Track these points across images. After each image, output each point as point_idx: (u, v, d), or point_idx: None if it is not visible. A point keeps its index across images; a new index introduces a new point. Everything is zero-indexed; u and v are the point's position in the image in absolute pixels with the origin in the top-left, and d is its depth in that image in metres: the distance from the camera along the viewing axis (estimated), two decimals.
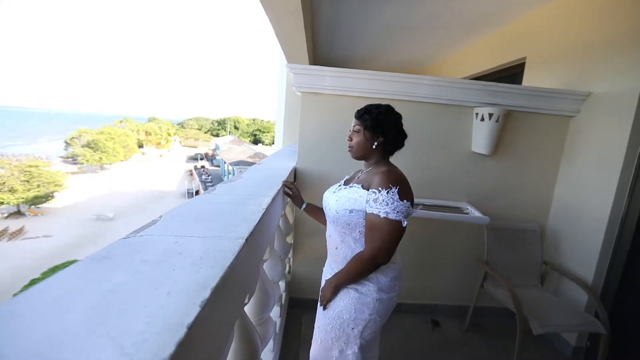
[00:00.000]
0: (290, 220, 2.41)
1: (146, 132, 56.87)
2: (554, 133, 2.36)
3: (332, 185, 1.53)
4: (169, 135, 65.26)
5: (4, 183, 25.82)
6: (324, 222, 1.50)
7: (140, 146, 53.82)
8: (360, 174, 1.36)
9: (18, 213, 26.94)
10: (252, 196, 1.23)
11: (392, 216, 1.10)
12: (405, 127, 1.31)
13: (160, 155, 54.15)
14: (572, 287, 2.23)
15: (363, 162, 1.34)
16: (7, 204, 26.23)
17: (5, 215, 26.60)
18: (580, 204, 2.24)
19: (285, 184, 1.57)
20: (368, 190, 1.17)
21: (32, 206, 27.28)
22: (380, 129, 1.24)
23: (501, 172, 2.37)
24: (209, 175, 35.56)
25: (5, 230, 21.90)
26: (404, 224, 1.12)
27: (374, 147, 1.27)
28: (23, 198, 26.29)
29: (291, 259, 2.51)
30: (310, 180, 2.30)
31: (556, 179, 2.42)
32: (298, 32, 2.33)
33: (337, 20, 3.21)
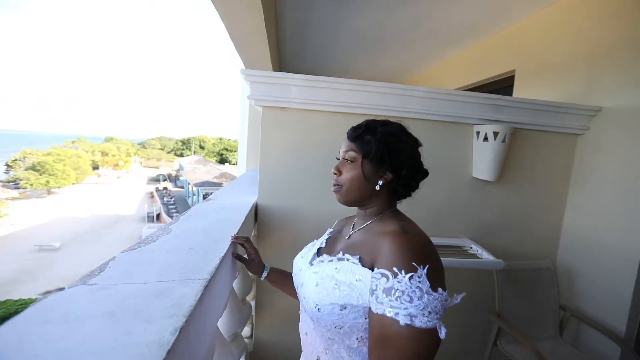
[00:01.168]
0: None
1: (102, 153, 53.16)
2: (561, 153, 2.03)
3: (307, 241, 1.01)
4: (129, 155, 61.52)
5: None
6: (292, 293, 0.97)
7: (96, 168, 50.06)
8: (352, 230, 0.85)
9: None
10: (168, 286, 0.67)
11: (421, 322, 0.59)
12: None
13: (118, 177, 50.66)
14: (593, 336, 1.85)
15: (357, 207, 0.84)
16: None
17: None
18: (595, 236, 1.89)
19: (235, 241, 1.02)
20: (372, 268, 0.67)
21: None
22: (390, 159, 0.76)
23: (506, 201, 1.98)
24: (171, 197, 33.48)
25: None
26: (442, 333, 0.61)
27: (377, 187, 0.78)
28: None
29: (254, 320, 1.91)
30: (277, 222, 1.76)
31: (565, 206, 2.08)
32: (258, 32, 1.85)
33: (306, 27, 2.79)
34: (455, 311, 1.97)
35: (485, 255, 1.73)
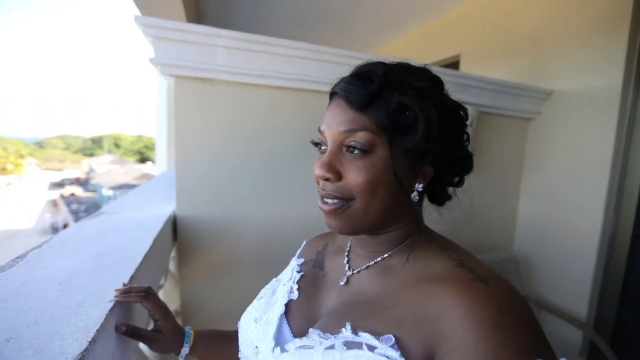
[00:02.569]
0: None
1: (47, 147, 43.33)
2: (514, 138, 1.95)
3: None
4: (21, 157, 51.31)
5: None
6: None
7: (3, 168, 40.61)
8: (350, 268, 0.47)
9: None
10: None
11: None
12: None
13: (8, 184, 41.91)
14: (556, 323, 1.81)
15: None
16: None
17: None
18: (551, 221, 1.85)
19: (123, 300, 0.55)
20: (428, 356, 0.31)
21: None
22: (440, 141, 0.40)
23: (469, 191, 1.82)
24: (81, 204, 28.83)
25: None
26: None
27: (414, 196, 0.43)
28: None
29: None
30: (204, 239, 1.28)
31: (519, 193, 2.02)
32: None
33: None
34: None
35: None
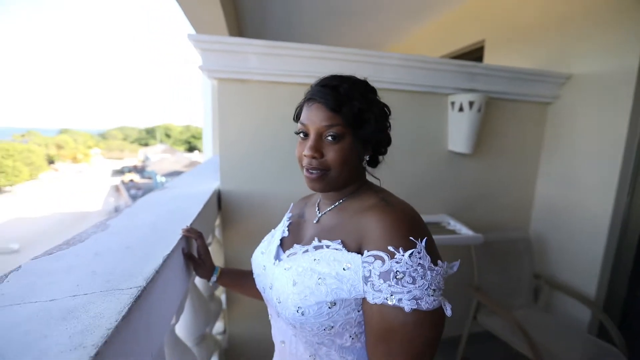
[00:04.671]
0: (220, 259, 1.68)
1: (58, 146, 49.28)
2: (533, 123, 2.00)
3: (269, 228, 0.86)
4: (88, 147, 57.55)
5: None
6: (256, 294, 0.82)
7: (52, 162, 46.41)
8: (319, 212, 0.72)
9: None
10: (83, 302, 0.51)
11: (428, 303, 0.49)
12: None
13: (79, 172, 47.37)
14: (567, 301, 1.89)
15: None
16: None
17: None
18: (566, 204, 1.91)
19: (186, 234, 0.86)
20: (360, 252, 0.55)
21: None
22: (382, 127, 0.65)
23: (481, 173, 1.94)
24: (139, 189, 31.89)
25: None
26: (448, 310, 0.53)
27: (364, 164, 0.67)
28: None
29: (226, 315, 1.77)
30: (243, 210, 1.60)
31: (537, 176, 2.08)
32: None
33: None
34: None
35: (464, 231, 1.68)
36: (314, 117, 0.62)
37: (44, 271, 0.62)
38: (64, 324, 0.45)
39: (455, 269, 0.58)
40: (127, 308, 0.50)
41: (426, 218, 1.79)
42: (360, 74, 1.56)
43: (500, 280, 1.90)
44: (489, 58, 2.54)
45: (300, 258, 0.61)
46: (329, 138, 0.61)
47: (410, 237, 0.51)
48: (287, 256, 0.65)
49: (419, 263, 0.50)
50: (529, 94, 1.90)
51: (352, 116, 0.60)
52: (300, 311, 0.55)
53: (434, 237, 1.54)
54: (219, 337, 1.80)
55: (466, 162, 1.88)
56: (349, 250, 0.56)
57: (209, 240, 1.45)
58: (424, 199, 1.85)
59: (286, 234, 0.75)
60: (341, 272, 0.54)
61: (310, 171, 0.63)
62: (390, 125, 0.69)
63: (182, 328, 1.09)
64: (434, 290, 0.50)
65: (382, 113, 0.65)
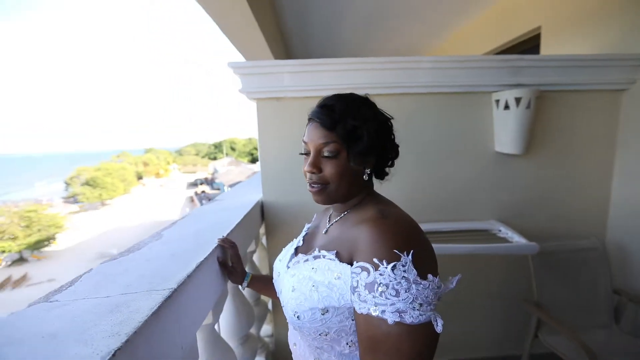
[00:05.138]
0: (259, 261, 1.80)
1: (144, 164, 56.92)
2: (603, 114, 1.75)
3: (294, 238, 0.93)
4: (168, 163, 65.30)
5: (4, 231, 25.42)
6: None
7: (140, 178, 53.74)
8: (329, 223, 0.76)
9: (21, 259, 26.45)
10: (128, 299, 0.63)
11: (412, 317, 0.50)
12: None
13: (161, 185, 53.94)
14: None
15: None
16: (9, 251, 25.81)
17: (9, 263, 26.10)
18: None
19: (221, 244, 0.97)
20: (351, 263, 0.58)
21: (35, 251, 26.83)
22: (380, 144, 0.66)
23: (537, 174, 1.75)
24: (209, 199, 35.06)
25: (8, 278, 21.55)
26: (439, 326, 0.51)
27: (365, 177, 0.68)
28: (25, 244, 25.88)
29: (273, 318, 1.88)
30: (284, 219, 1.70)
31: (612, 174, 1.80)
32: (247, 23, 1.77)
33: (306, 11, 2.67)
34: (488, 300, 1.81)
35: (517, 239, 1.54)
36: (313, 136, 0.67)
37: (107, 273, 0.76)
38: (111, 316, 0.57)
39: (454, 284, 0.57)
40: (157, 305, 0.60)
41: (472, 225, 1.68)
42: (391, 82, 1.58)
43: (567, 296, 1.68)
44: (546, 46, 2.30)
45: (302, 266, 0.66)
46: (326, 154, 0.65)
47: (395, 250, 0.52)
48: (293, 264, 0.71)
49: (403, 276, 0.51)
50: (595, 82, 1.68)
51: (346, 133, 0.63)
52: (296, 315, 0.60)
53: (480, 245, 1.46)
54: (267, 340, 1.92)
55: (517, 164, 1.72)
56: (341, 261, 0.59)
57: (253, 247, 1.58)
58: (469, 204, 1.74)
59: (301, 243, 0.81)
60: (333, 281, 0.57)
61: (312, 185, 0.68)
62: (394, 137, 0.71)
63: (224, 328, 1.21)
64: (420, 304, 0.50)
65: (380, 127, 0.66)
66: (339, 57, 1.54)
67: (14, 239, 25.82)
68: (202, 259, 0.83)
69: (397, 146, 0.72)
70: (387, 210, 0.62)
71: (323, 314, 0.58)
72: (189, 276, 0.74)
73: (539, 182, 1.74)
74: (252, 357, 1.34)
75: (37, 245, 27.08)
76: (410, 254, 0.52)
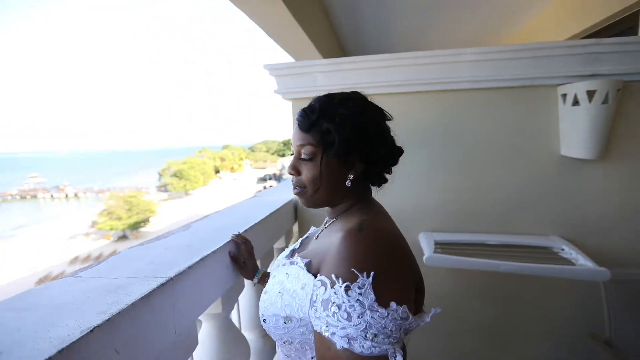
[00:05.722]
0: None
1: (221, 159, 62.74)
2: None
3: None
4: (241, 159, 70.93)
5: (112, 212, 30.60)
6: None
7: (217, 172, 59.41)
8: (321, 229, 0.73)
9: (124, 237, 31.64)
10: (130, 282, 0.70)
11: (362, 347, 0.45)
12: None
13: (234, 179, 58.89)
14: None
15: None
16: (115, 229, 31.02)
17: (115, 239, 31.45)
18: None
19: (234, 240, 1.02)
20: (317, 274, 0.55)
21: (134, 230, 31.78)
22: (360, 147, 0.61)
23: (616, 185, 1.43)
24: None
25: (114, 252, 26.20)
26: None
27: (347, 184, 0.63)
28: (127, 224, 30.84)
29: None
30: (315, 220, 1.70)
31: None
32: (288, 24, 1.81)
33: (356, 6, 2.62)
34: (544, 332, 1.55)
35: (583, 261, 1.29)
36: (293, 138, 0.66)
37: (127, 257, 0.86)
38: (109, 295, 0.64)
39: (427, 319, 0.51)
40: (148, 291, 0.65)
41: (527, 240, 1.46)
42: (429, 78, 1.47)
43: None
44: None
45: (280, 270, 0.65)
46: (303, 157, 0.64)
47: (353, 269, 0.48)
48: (276, 266, 0.70)
49: (358, 299, 0.46)
50: None
51: (320, 136, 0.60)
52: (262, 318, 0.60)
53: (535, 265, 1.27)
54: None
55: (588, 170, 1.43)
56: (309, 271, 0.57)
57: (282, 244, 1.62)
58: (524, 215, 1.51)
59: (297, 246, 0.80)
60: (298, 290, 0.55)
61: (294, 187, 0.66)
62: (387, 139, 0.65)
63: (245, 319, 1.27)
64: (374, 334, 0.45)
65: (360, 129, 0.61)
66: (395, 52, 1.45)
67: (119, 219, 30.85)
68: (209, 252, 0.88)
69: (393, 150, 0.65)
70: (367, 222, 0.57)
71: (285, 322, 0.56)
72: (190, 267, 0.79)
73: (616, 193, 1.42)
74: (272, 351, 1.38)
75: (136, 226, 31.93)
76: (371, 275, 0.47)
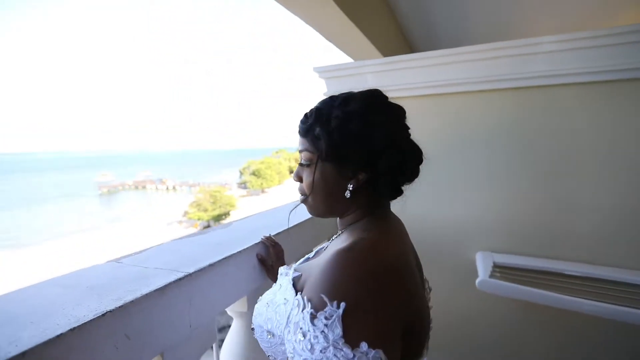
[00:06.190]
0: None
1: (296, 160, 65.89)
2: None
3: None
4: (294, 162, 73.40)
5: (200, 204, 34.66)
6: None
7: (291, 172, 62.58)
8: (330, 242, 0.68)
9: (208, 226, 35.58)
10: (154, 273, 0.76)
11: None
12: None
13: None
14: None
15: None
16: (202, 219, 35.03)
17: (202, 228, 35.62)
18: None
19: (264, 241, 1.02)
20: (301, 290, 0.50)
21: (217, 222, 35.56)
22: (355, 154, 0.54)
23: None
24: None
25: None
26: None
27: (347, 194, 0.57)
28: (211, 215, 34.61)
29: None
30: None
31: None
32: (342, 24, 1.76)
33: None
34: None
35: None
36: (299, 145, 0.62)
37: (166, 249, 0.94)
38: (131, 283, 0.70)
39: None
40: (164, 284, 0.69)
41: (625, 276, 1.15)
42: (493, 75, 1.28)
43: None
44: None
45: (278, 279, 0.62)
46: (301, 163, 0.60)
47: (323, 295, 0.42)
48: (279, 275, 0.67)
49: (323, 331, 0.40)
50: None
51: (314, 141, 0.56)
52: (252, 327, 0.57)
53: (633, 310, 1.02)
54: None
55: None
56: (295, 285, 0.52)
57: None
58: (624, 244, 1.19)
59: (312, 255, 0.76)
60: (281, 305, 0.52)
61: (300, 194, 0.63)
62: (395, 145, 0.56)
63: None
64: None
65: (353, 134, 0.54)
66: (472, 45, 1.29)
67: (205, 211, 34.78)
68: (233, 252, 0.91)
69: (404, 157, 0.56)
70: (362, 243, 0.50)
71: (268, 337, 0.53)
72: (211, 264, 0.82)
73: None
74: None
75: (218, 218, 35.63)
76: (341, 306, 0.40)
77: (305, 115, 0.60)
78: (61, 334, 0.51)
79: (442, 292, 1.48)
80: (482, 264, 1.24)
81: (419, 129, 1.41)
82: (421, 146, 0.59)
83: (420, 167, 0.58)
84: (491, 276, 1.17)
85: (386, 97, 0.60)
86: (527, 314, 1.28)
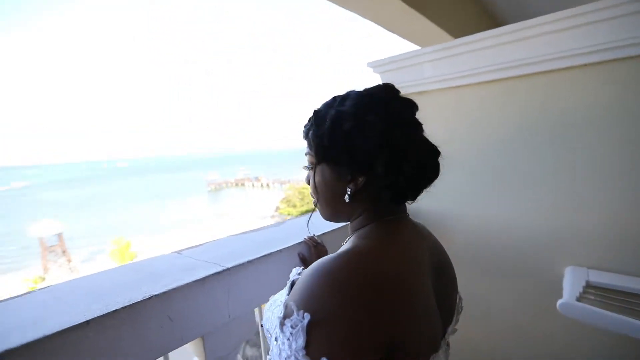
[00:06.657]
0: None
1: None
2: None
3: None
4: None
5: (290, 200, 37.17)
6: None
7: None
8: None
9: None
10: (204, 266, 0.86)
11: None
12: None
13: None
14: None
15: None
16: (290, 215, 37.54)
17: None
18: None
19: (306, 241, 1.05)
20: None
21: None
22: (348, 157, 0.52)
23: None
24: None
25: None
26: None
27: (345, 198, 0.54)
28: (299, 211, 36.78)
29: None
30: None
31: None
32: (397, 8, 1.62)
33: None
34: None
35: None
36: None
37: (219, 244, 1.04)
38: (182, 272, 0.80)
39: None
40: (204, 276, 0.78)
41: None
42: (564, 50, 1.05)
43: None
44: None
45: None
46: (306, 166, 0.60)
47: (292, 302, 0.41)
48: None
49: (288, 338, 0.39)
50: None
51: (310, 145, 0.55)
52: (260, 323, 0.59)
53: None
54: None
55: None
56: (291, 286, 0.52)
57: None
58: None
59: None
60: (278, 305, 0.52)
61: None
62: (383, 147, 0.49)
63: None
64: None
65: (346, 134, 0.51)
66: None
67: (294, 206, 37.10)
68: (273, 250, 0.95)
69: (406, 159, 0.50)
70: (353, 251, 0.47)
71: (268, 335, 0.54)
72: (250, 261, 0.88)
73: None
74: None
75: (306, 213, 37.68)
76: (306, 317, 0.39)
77: (309, 119, 0.60)
78: (116, 310, 0.63)
79: (516, 315, 1.26)
80: (570, 282, 1.01)
81: (484, 122, 1.23)
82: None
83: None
84: (581, 298, 0.95)
85: (396, 92, 0.55)
86: (628, 351, 0.99)
